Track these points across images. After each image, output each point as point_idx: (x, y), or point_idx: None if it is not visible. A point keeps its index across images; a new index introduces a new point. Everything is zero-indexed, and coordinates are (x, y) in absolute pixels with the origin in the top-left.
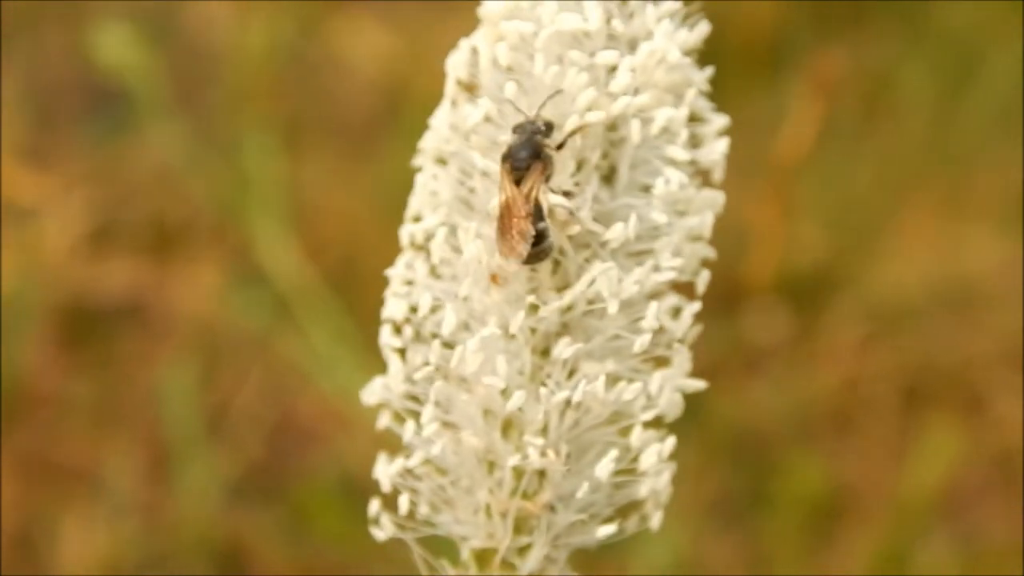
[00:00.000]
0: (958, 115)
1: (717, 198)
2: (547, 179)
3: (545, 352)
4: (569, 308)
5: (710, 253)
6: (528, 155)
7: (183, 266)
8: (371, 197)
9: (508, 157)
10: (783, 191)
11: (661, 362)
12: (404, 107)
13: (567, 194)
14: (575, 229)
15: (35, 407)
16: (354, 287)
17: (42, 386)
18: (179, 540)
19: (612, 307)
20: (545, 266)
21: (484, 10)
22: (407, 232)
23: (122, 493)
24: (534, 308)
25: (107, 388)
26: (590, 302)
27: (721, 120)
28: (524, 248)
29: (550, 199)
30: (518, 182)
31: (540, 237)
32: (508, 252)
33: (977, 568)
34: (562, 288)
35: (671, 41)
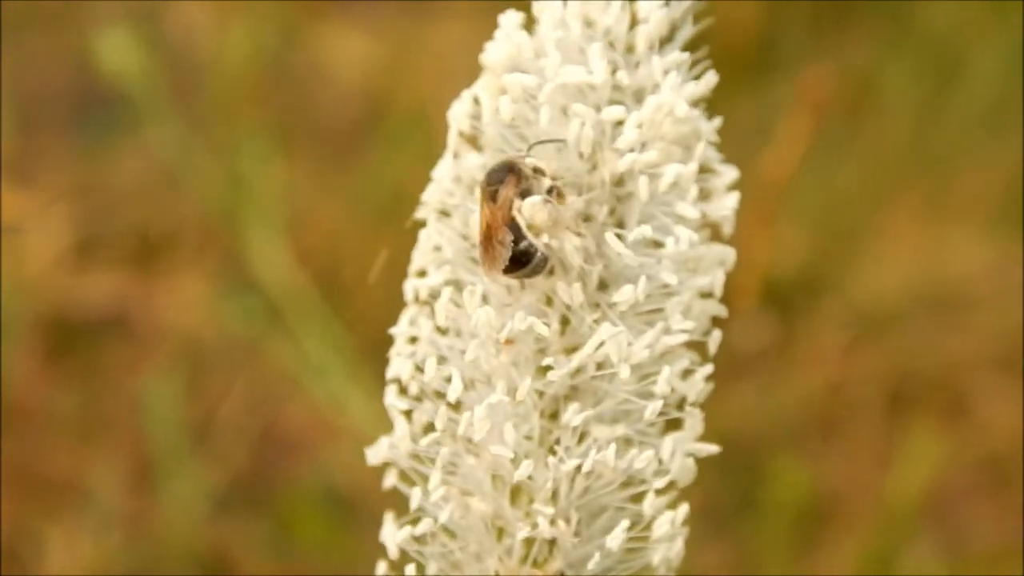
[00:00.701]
0: (941, 117)
1: (727, 254)
2: (524, 193)
3: (554, 415)
4: (578, 371)
5: (721, 311)
6: (502, 170)
7: (167, 277)
8: (354, 205)
9: (484, 178)
10: (769, 202)
11: (673, 423)
12: (386, 115)
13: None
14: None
15: (20, 419)
16: (337, 294)
17: (27, 398)
18: (165, 551)
19: (623, 372)
20: (554, 326)
21: (486, 58)
22: (411, 287)
23: (107, 504)
24: (542, 370)
25: (92, 399)
26: (599, 366)
27: (731, 174)
28: (505, 254)
29: (527, 201)
30: (494, 197)
31: (524, 251)
32: (490, 264)
33: (963, 572)
34: (571, 349)
35: (678, 94)
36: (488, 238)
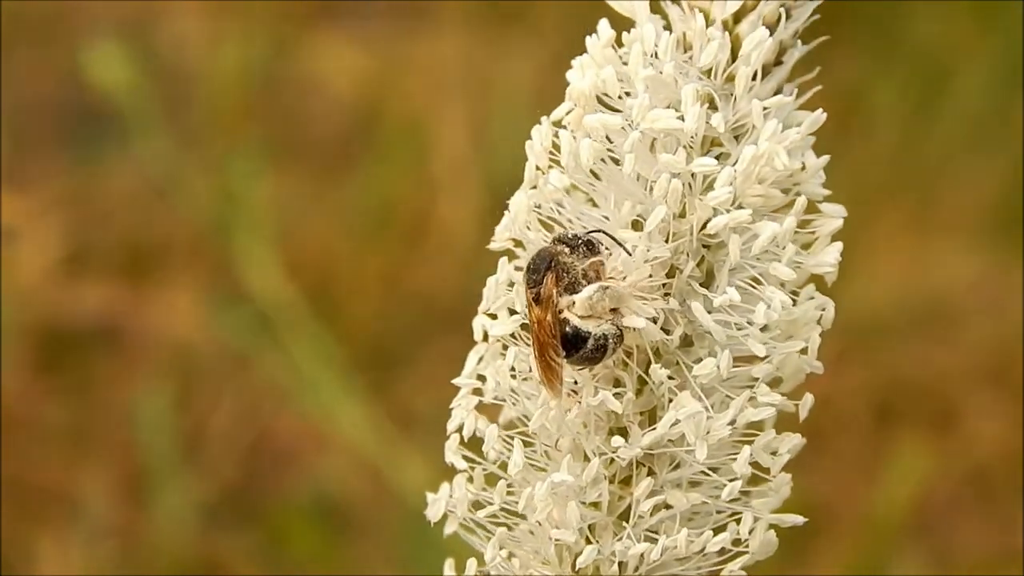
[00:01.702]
0: (928, 131)
1: (826, 311)
2: (568, 288)
3: (626, 482)
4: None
5: (817, 368)
6: (541, 268)
7: (158, 289)
8: (344, 217)
9: (525, 274)
10: None
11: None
12: (377, 128)
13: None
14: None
15: (11, 430)
16: (328, 306)
17: (18, 409)
18: (155, 562)
19: (700, 453)
20: (628, 393)
21: (570, 85)
22: (479, 325)
23: (98, 515)
24: (615, 432)
25: (83, 411)
26: (675, 442)
27: (836, 221)
28: (558, 384)
29: (581, 297)
30: (537, 297)
31: (577, 339)
32: (548, 384)
33: None
34: (648, 412)
35: (778, 143)
36: (539, 351)
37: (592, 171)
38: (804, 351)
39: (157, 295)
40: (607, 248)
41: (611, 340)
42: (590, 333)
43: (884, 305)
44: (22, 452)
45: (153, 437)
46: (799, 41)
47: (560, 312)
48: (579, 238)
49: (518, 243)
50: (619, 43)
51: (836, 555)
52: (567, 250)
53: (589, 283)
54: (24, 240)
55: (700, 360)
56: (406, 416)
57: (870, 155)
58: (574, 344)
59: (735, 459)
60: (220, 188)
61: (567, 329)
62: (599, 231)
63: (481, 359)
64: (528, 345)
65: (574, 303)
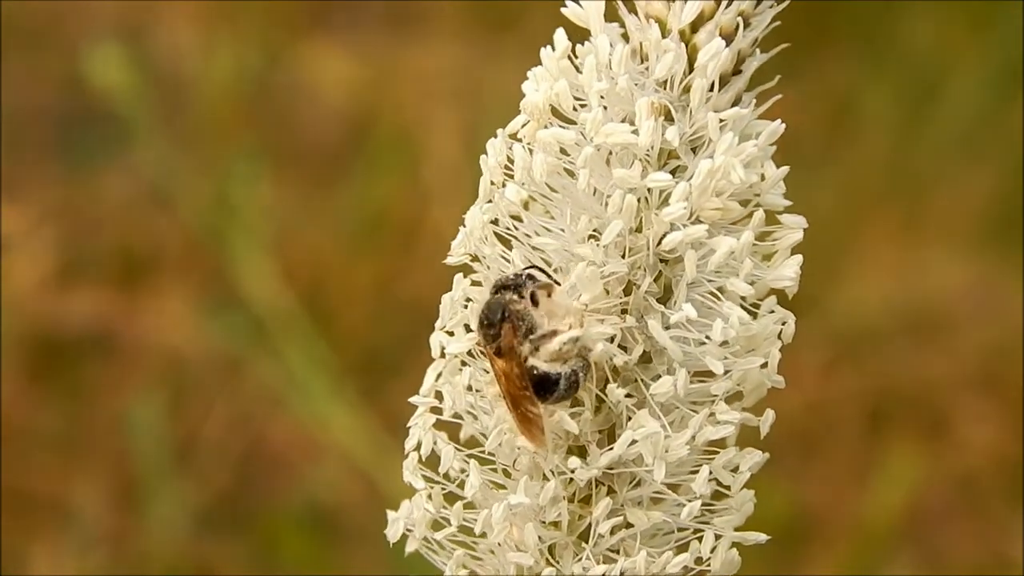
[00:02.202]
0: (919, 138)
1: (786, 325)
2: (526, 333)
3: (586, 500)
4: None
5: (779, 383)
6: (496, 321)
7: (151, 296)
8: (337, 225)
9: (479, 329)
10: None
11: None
12: (370, 136)
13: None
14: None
15: (4, 438)
16: (320, 313)
17: (11, 416)
18: (148, 569)
19: (658, 473)
20: (586, 413)
21: (525, 98)
22: (436, 342)
23: (91, 522)
24: (573, 452)
25: (76, 418)
26: (634, 462)
27: (796, 233)
28: (540, 434)
29: (548, 348)
30: (499, 351)
31: (550, 383)
32: (531, 438)
33: None
34: (605, 429)
35: (735, 156)
36: (513, 406)
37: (547, 184)
38: (764, 366)
39: (150, 303)
40: (550, 276)
41: (581, 373)
42: (560, 374)
43: (875, 311)
44: (15, 459)
45: (146, 444)
46: (758, 50)
47: (525, 360)
48: (520, 277)
49: (475, 258)
50: (575, 54)
51: (828, 561)
52: (515, 296)
53: (546, 322)
54: (18, 249)
55: (659, 377)
56: (396, 423)
57: (861, 161)
58: (546, 388)
59: (694, 479)
60: (216, 193)
61: (535, 374)
62: (533, 267)
63: (439, 376)
64: (484, 358)
65: (537, 349)
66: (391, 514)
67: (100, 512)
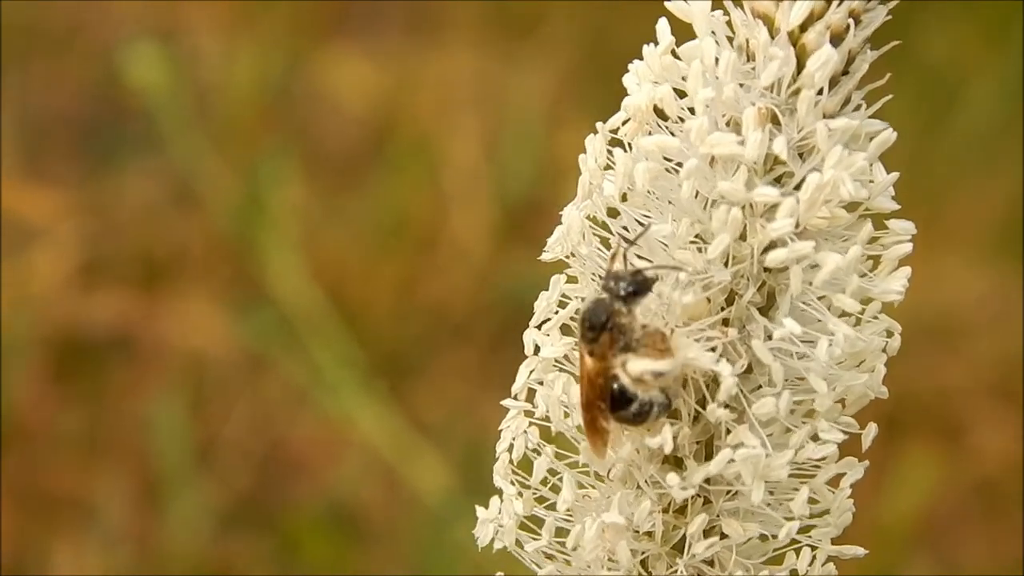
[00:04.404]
0: (936, 146)
1: (893, 338)
2: (626, 347)
3: (681, 511)
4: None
5: (883, 394)
6: (597, 325)
7: (173, 297)
8: (358, 228)
9: (580, 326)
10: None
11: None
12: (390, 141)
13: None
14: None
15: (27, 438)
16: (343, 315)
17: (34, 417)
18: (170, 569)
19: (756, 496)
20: (683, 427)
21: (626, 100)
22: (530, 340)
23: (113, 523)
24: (667, 461)
25: (98, 419)
26: (732, 479)
27: (905, 244)
28: (602, 448)
29: (631, 368)
30: (591, 353)
31: (624, 399)
32: (592, 447)
33: None
34: (703, 440)
35: (845, 170)
36: (586, 412)
37: (648, 190)
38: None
39: (172, 304)
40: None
41: (656, 408)
42: (636, 396)
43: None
44: (38, 459)
45: (168, 445)
46: (866, 49)
47: (612, 372)
48: (631, 280)
49: (572, 255)
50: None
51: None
52: (623, 308)
53: (642, 339)
54: (41, 249)
55: (759, 388)
56: (417, 425)
57: None
58: (618, 403)
59: (793, 499)
60: (244, 193)
61: (615, 386)
62: (642, 273)
63: (532, 372)
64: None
65: (625, 364)
66: (481, 513)
67: (122, 512)
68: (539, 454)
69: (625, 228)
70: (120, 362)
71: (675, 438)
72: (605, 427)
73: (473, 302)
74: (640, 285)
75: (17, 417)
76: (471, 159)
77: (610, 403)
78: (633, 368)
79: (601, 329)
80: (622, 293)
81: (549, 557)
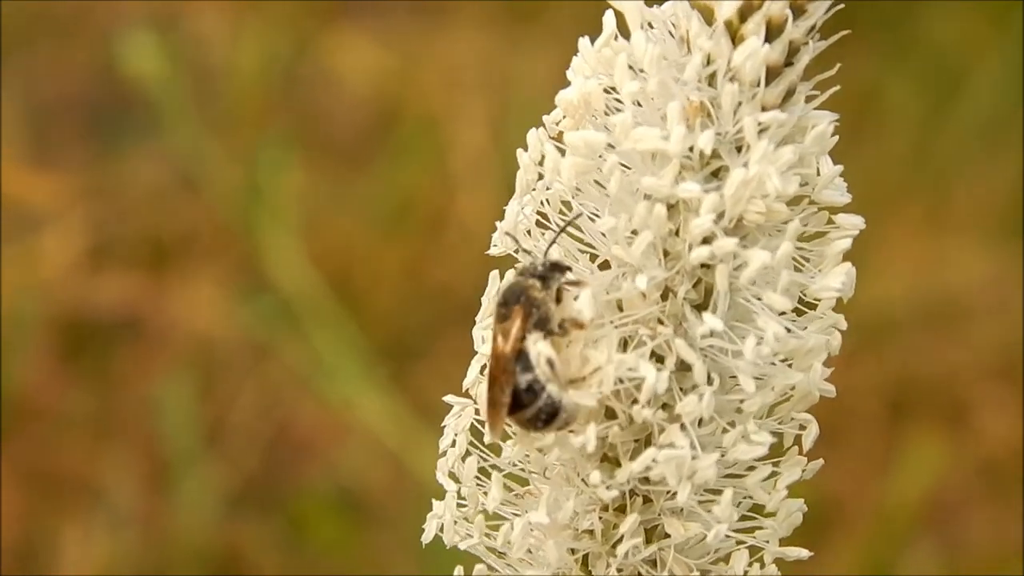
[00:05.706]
0: (942, 130)
1: (832, 337)
2: (539, 323)
3: (621, 509)
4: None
5: (828, 392)
6: (511, 299)
7: (180, 280)
8: (364, 211)
9: (496, 298)
10: None
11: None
12: (396, 123)
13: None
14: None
15: (34, 420)
16: (348, 299)
17: (41, 399)
18: (177, 551)
19: (682, 495)
20: (621, 416)
21: (560, 94)
22: (479, 335)
23: (121, 504)
24: (605, 459)
25: (105, 401)
26: (656, 482)
27: (845, 240)
28: (498, 424)
29: (537, 348)
30: (506, 333)
31: (530, 392)
32: (488, 425)
33: None
34: (641, 438)
35: (771, 164)
36: (491, 386)
37: (577, 186)
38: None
39: (179, 287)
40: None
41: (564, 413)
42: (534, 372)
43: (897, 302)
44: (46, 441)
45: (175, 427)
46: (811, 40)
47: (518, 344)
48: (549, 266)
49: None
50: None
51: (849, 548)
52: (538, 284)
53: (558, 320)
54: (48, 233)
55: (696, 387)
56: (421, 408)
57: (884, 154)
58: (525, 396)
59: (718, 505)
60: (246, 178)
61: (519, 360)
62: (557, 262)
63: (483, 368)
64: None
65: (537, 342)
66: (430, 514)
67: (130, 493)
68: (470, 454)
69: (563, 218)
70: (127, 345)
71: (606, 438)
72: (503, 402)
73: (479, 285)
74: (555, 263)
75: (26, 399)
76: (477, 142)
77: (513, 398)
78: (540, 348)
79: (515, 303)
80: (539, 271)
81: (484, 554)
